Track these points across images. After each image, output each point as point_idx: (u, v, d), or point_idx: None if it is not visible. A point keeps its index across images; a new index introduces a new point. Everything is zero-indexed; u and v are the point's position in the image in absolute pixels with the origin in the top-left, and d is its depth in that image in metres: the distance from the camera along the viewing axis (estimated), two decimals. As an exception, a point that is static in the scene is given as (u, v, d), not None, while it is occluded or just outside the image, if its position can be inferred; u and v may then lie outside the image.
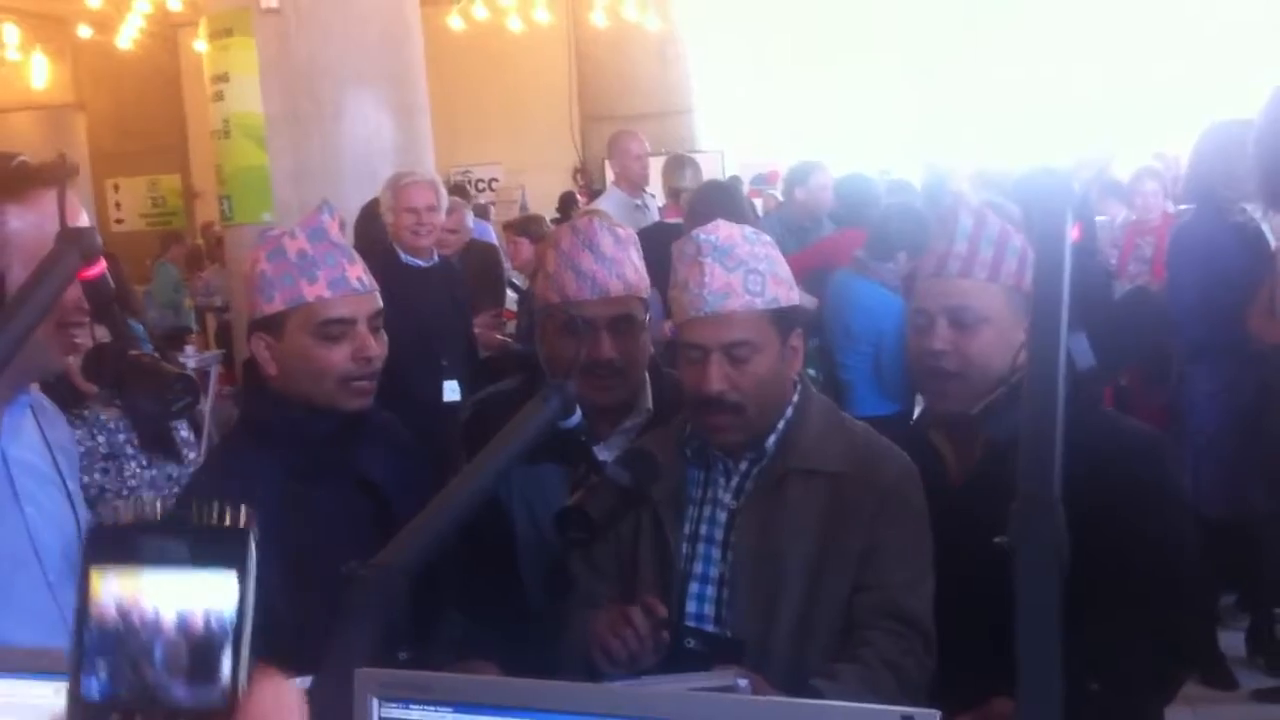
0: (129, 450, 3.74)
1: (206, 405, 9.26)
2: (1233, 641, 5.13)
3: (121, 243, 13.77)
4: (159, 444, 3.78)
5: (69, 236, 1.67)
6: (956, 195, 2.45)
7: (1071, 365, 1.51)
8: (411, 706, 1.12)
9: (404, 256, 5.26)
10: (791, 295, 2.20)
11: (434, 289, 5.33)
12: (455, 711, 1.10)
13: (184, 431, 3.89)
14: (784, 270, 2.20)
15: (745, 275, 2.12)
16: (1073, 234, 1.38)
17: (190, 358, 9.02)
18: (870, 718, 0.98)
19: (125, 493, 3.70)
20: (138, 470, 3.75)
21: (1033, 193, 1.42)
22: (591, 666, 2.05)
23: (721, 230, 2.18)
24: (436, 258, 5.44)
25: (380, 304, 2.34)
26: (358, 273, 2.30)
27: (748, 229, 2.23)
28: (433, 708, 1.11)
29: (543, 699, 1.08)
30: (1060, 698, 1.08)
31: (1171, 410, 4.97)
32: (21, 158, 1.87)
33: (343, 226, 2.35)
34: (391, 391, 4.62)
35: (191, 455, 3.93)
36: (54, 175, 1.81)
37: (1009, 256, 2.19)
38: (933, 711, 0.97)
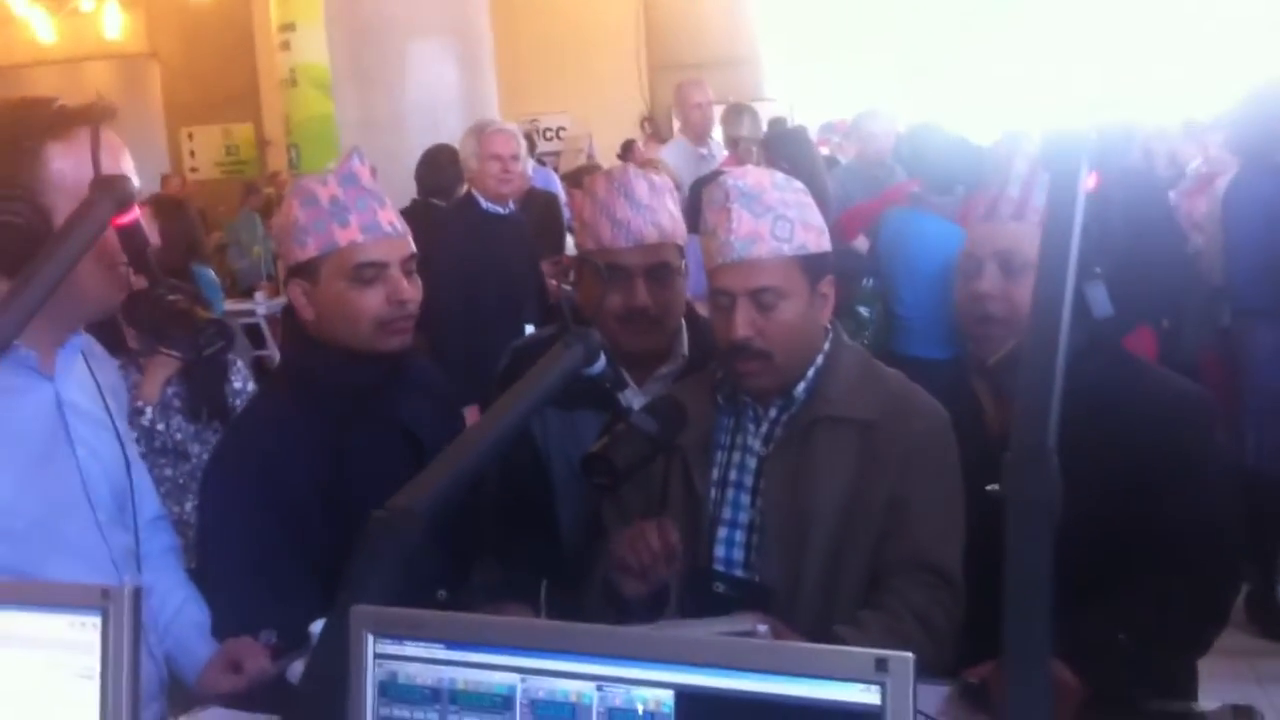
0: (175, 404, 3.81)
1: (278, 351, 9.43)
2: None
3: (195, 191, 13.98)
4: (212, 412, 3.81)
5: (102, 184, 1.70)
6: (1013, 139, 2.41)
7: (1088, 314, 1.50)
8: (406, 643, 1.15)
9: (484, 204, 5.36)
10: (821, 241, 2.18)
11: (513, 236, 5.43)
12: (448, 648, 1.13)
13: (238, 382, 3.91)
14: (815, 217, 2.18)
15: (774, 221, 2.12)
16: (1089, 182, 1.37)
17: (260, 304, 9.18)
18: (844, 659, 0.99)
19: (170, 444, 3.79)
20: (183, 424, 3.81)
21: (1049, 139, 1.41)
22: (612, 598, 2.08)
23: (751, 176, 2.18)
24: (512, 206, 5.53)
25: (413, 248, 2.36)
26: (390, 217, 2.33)
27: (779, 175, 2.22)
28: (426, 644, 1.13)
29: (532, 637, 1.11)
30: (1048, 650, 1.07)
31: (1228, 369, 4.89)
32: (63, 102, 1.91)
33: (374, 172, 2.38)
34: (473, 333, 4.71)
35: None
36: (93, 116, 1.85)
37: None
38: (906, 655, 0.98)
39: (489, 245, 5.23)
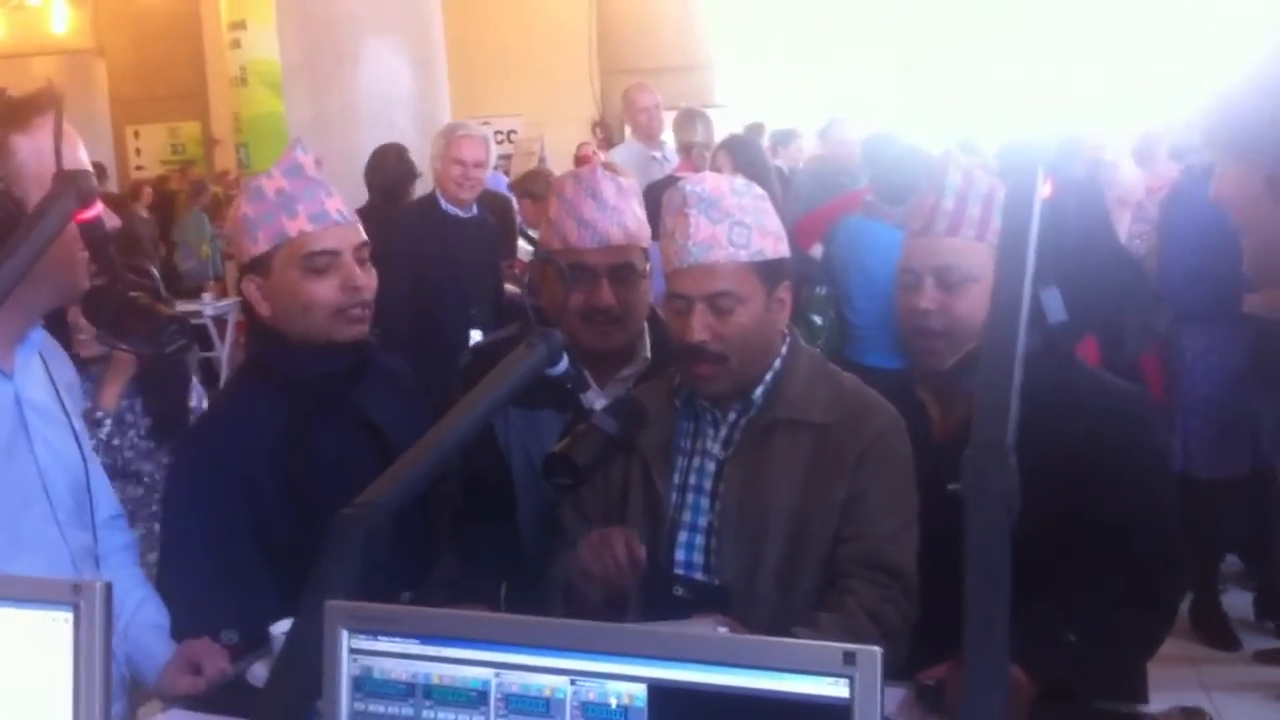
0: (128, 418, 3.70)
1: (224, 352, 9.36)
2: (1237, 602, 5.18)
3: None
4: (171, 424, 3.66)
5: (65, 178, 1.70)
6: (946, 152, 2.46)
7: (1043, 319, 1.54)
8: (380, 638, 1.16)
9: (444, 205, 5.43)
10: (779, 248, 2.22)
11: (470, 239, 5.49)
12: (421, 643, 1.14)
13: (194, 399, 3.77)
14: (772, 223, 2.21)
15: (730, 227, 2.15)
16: (1044, 190, 1.40)
17: (207, 305, 9.10)
18: (813, 653, 1.01)
19: (119, 464, 3.65)
20: (135, 440, 3.69)
21: (1007, 147, 1.44)
22: (572, 601, 2.10)
23: (709, 182, 2.21)
24: (475, 210, 5.58)
25: (364, 236, 2.36)
26: (337, 205, 2.33)
27: (738, 181, 2.25)
28: (400, 639, 1.15)
29: (502, 633, 1.12)
30: (1007, 647, 1.10)
31: (1164, 371, 4.99)
32: (8, 90, 1.91)
33: (319, 163, 2.38)
34: (420, 333, 4.70)
35: None
36: (49, 103, 1.85)
37: (996, 214, 2.19)
38: (874, 649, 1.00)
39: (444, 246, 5.27)
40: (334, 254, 2.29)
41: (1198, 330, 4.83)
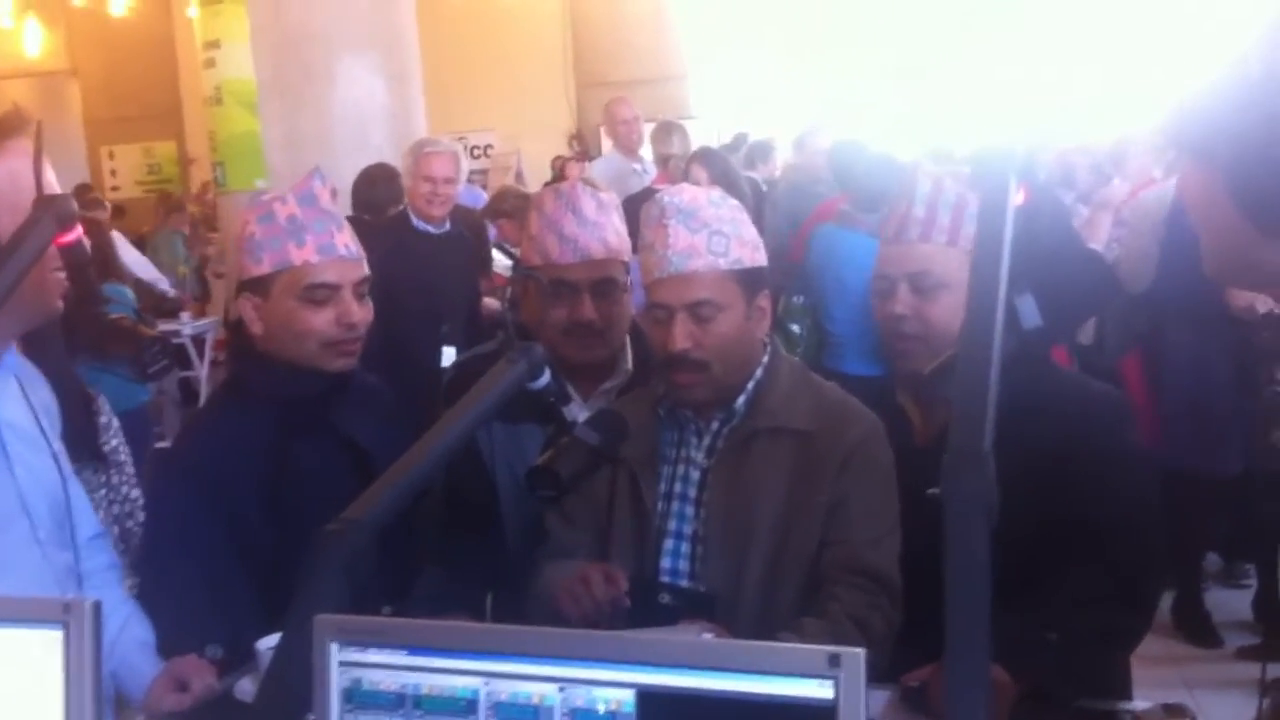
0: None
1: (203, 371, 9.34)
2: (1219, 599, 5.21)
3: (117, 211, 13.75)
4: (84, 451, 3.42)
5: (44, 203, 1.71)
6: (915, 161, 2.48)
7: (1018, 324, 1.56)
8: (369, 649, 1.17)
9: (416, 221, 5.41)
10: (757, 257, 2.24)
11: (442, 256, 5.47)
12: (410, 654, 1.16)
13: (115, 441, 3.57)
14: (749, 232, 2.24)
15: (709, 236, 2.17)
16: (1017, 197, 1.42)
17: (186, 325, 9.08)
18: (798, 656, 1.03)
19: None
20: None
21: (979, 154, 1.46)
22: (553, 622, 2.10)
23: (686, 193, 2.23)
24: (449, 226, 5.56)
25: (366, 271, 2.38)
26: (345, 240, 2.35)
27: (715, 192, 2.27)
28: (388, 650, 1.16)
29: (490, 642, 1.13)
30: (988, 648, 1.11)
31: (1147, 372, 5.02)
32: None
33: (334, 194, 2.40)
34: (393, 351, 4.70)
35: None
36: (18, 125, 1.85)
37: (967, 221, 2.22)
38: (858, 651, 1.02)
39: (415, 264, 5.23)
40: (334, 288, 2.31)
41: (1187, 329, 4.83)
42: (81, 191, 10.74)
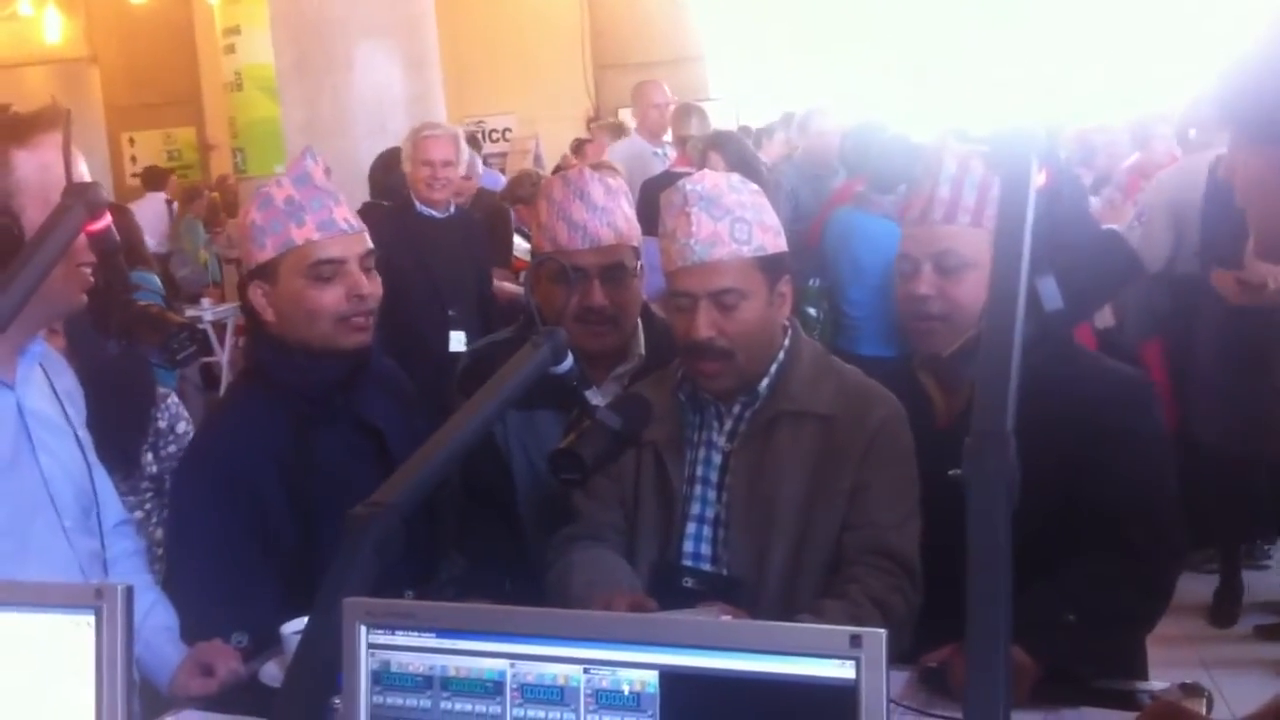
0: None
1: (224, 357, 9.38)
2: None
3: (137, 196, 13.81)
4: (121, 464, 3.13)
5: (74, 191, 1.72)
6: (941, 140, 2.48)
7: (1039, 306, 1.56)
8: (397, 632, 1.19)
9: (419, 206, 5.35)
10: (778, 242, 2.24)
11: (447, 240, 5.41)
12: (438, 636, 1.17)
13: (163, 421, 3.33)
14: (770, 218, 2.24)
15: (732, 224, 2.17)
16: (1039, 179, 1.42)
17: (206, 310, 9.12)
18: (820, 637, 1.04)
19: None
20: None
21: (1000, 137, 1.46)
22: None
23: (708, 180, 2.23)
24: (454, 209, 5.51)
25: (370, 244, 2.40)
26: (344, 214, 2.36)
27: (734, 177, 2.27)
28: (416, 633, 1.18)
29: (516, 625, 1.15)
30: (1009, 629, 1.12)
31: (1169, 353, 5.00)
32: (13, 107, 1.94)
33: (328, 172, 2.41)
34: (400, 338, 4.69)
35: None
36: (52, 120, 1.87)
37: (992, 202, 2.22)
38: (879, 631, 1.03)
39: (418, 248, 5.17)
40: (340, 262, 2.32)
41: (1209, 308, 4.82)
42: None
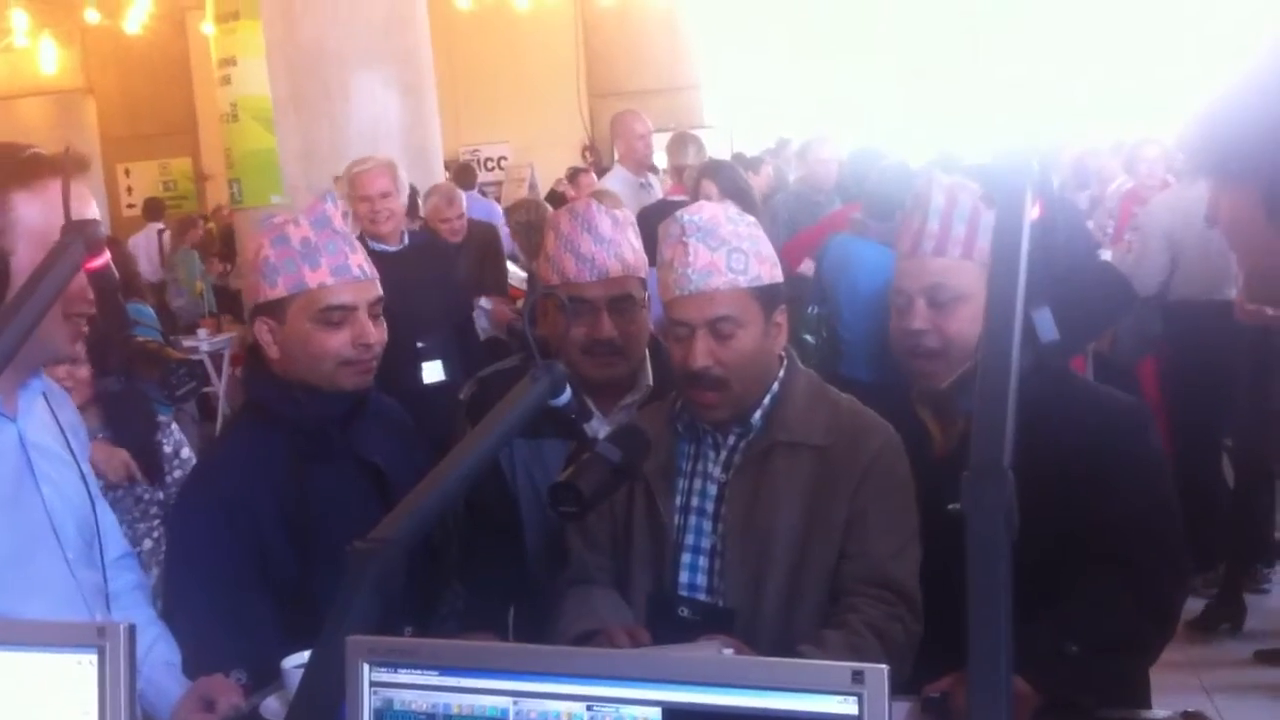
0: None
1: (221, 388, 9.37)
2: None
3: (133, 227, 13.84)
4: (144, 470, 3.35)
5: (73, 228, 1.73)
6: (928, 173, 2.50)
7: (1035, 338, 1.57)
8: (400, 670, 1.19)
9: (370, 243, 5.16)
10: (775, 273, 2.26)
11: (404, 273, 5.31)
12: (441, 674, 1.17)
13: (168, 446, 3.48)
14: (767, 249, 2.25)
15: (728, 254, 2.18)
16: (1034, 211, 1.43)
17: (203, 340, 9.12)
18: (822, 673, 1.04)
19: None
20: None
21: (994, 169, 1.47)
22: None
23: (705, 210, 2.25)
24: (407, 239, 5.38)
25: (379, 291, 2.41)
26: (359, 261, 2.38)
27: (732, 209, 2.29)
28: (419, 670, 1.18)
29: (519, 662, 1.15)
30: (1010, 659, 1.12)
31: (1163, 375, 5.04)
32: (35, 149, 1.94)
33: (346, 216, 2.43)
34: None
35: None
36: (63, 166, 1.87)
37: (982, 233, 2.24)
38: (881, 666, 1.03)
39: None
40: (350, 309, 2.34)
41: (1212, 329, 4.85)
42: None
